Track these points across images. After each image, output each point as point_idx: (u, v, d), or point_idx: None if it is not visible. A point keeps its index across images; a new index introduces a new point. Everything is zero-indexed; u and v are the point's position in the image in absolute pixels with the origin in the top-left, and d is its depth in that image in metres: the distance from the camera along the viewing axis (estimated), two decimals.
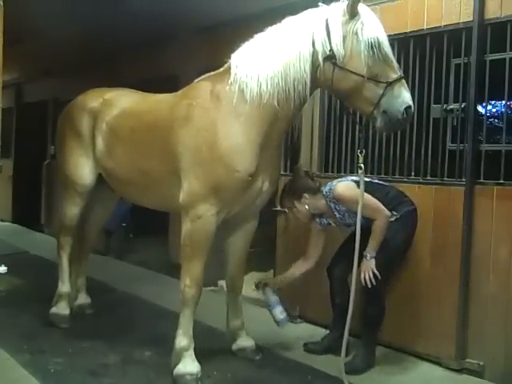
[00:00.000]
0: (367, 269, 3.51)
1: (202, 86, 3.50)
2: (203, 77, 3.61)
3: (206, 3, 5.12)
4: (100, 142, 4.09)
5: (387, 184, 3.92)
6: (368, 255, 3.53)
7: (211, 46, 5.66)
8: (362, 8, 3.04)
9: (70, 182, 4.34)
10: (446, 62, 4.00)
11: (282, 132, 3.48)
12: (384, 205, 3.59)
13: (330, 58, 3.06)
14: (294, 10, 3.38)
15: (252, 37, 3.36)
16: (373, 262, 3.52)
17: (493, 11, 3.67)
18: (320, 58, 3.10)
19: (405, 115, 2.97)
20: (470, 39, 3.77)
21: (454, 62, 3.98)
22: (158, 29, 6.06)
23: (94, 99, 4.28)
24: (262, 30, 3.33)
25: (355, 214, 3.40)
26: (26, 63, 8.78)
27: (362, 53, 2.97)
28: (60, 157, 4.55)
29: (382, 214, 3.53)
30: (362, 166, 3.22)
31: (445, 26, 3.90)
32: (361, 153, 3.22)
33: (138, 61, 7.21)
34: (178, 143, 3.43)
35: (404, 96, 2.97)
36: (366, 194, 3.40)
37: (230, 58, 3.42)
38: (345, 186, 3.70)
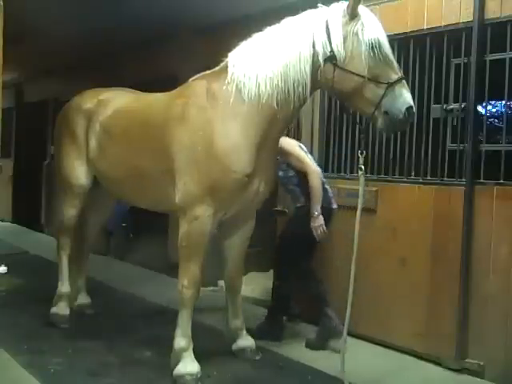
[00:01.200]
0: (318, 224, 3.97)
1: (198, 85, 3.49)
2: (198, 75, 3.59)
3: (205, 3, 5.12)
4: (93, 143, 4.08)
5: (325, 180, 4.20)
6: (315, 212, 3.96)
7: (211, 46, 5.65)
8: (362, 9, 3.03)
9: (67, 183, 4.34)
10: (446, 62, 4.00)
11: (280, 133, 3.47)
12: (301, 192, 4.11)
13: (331, 59, 3.06)
14: (293, 10, 3.38)
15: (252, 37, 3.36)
16: (321, 219, 3.97)
17: (493, 11, 3.67)
18: (320, 59, 3.09)
19: (406, 115, 2.96)
20: (470, 39, 3.77)
21: (454, 62, 3.98)
22: (158, 29, 6.06)
23: (89, 100, 4.27)
24: (261, 30, 3.33)
25: (285, 169, 4.10)
26: (26, 63, 8.78)
27: (363, 53, 2.97)
28: (57, 158, 4.55)
29: (311, 167, 4.03)
30: (363, 167, 3.22)
31: (445, 26, 3.90)
32: (361, 154, 3.22)
33: (138, 61, 7.21)
34: (173, 143, 3.42)
35: (405, 96, 2.96)
36: (300, 150, 4.09)
37: (227, 56, 3.42)
38: (289, 141, 4.16)
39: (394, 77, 2.98)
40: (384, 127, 3.05)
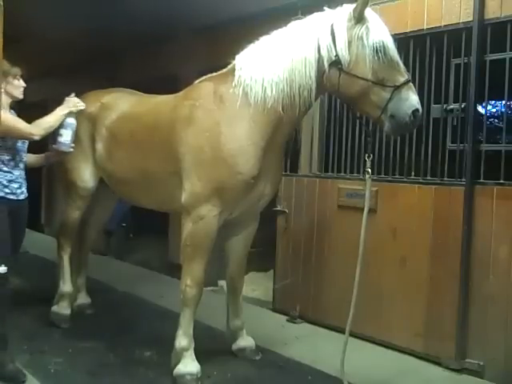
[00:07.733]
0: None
1: (205, 87, 3.50)
2: (204, 77, 3.60)
3: (206, 3, 5.12)
4: (100, 147, 4.10)
5: None
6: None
7: (211, 45, 5.65)
8: (368, 12, 3.02)
9: (72, 186, 4.35)
10: (446, 62, 4.00)
11: (285, 136, 3.47)
12: None
13: (336, 63, 3.05)
14: (294, 10, 3.38)
15: (253, 37, 3.36)
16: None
17: (493, 11, 3.67)
18: (325, 64, 3.09)
19: (412, 118, 2.95)
20: (470, 39, 3.77)
21: (454, 62, 3.99)
22: (158, 29, 6.05)
23: (91, 104, 4.23)
24: (262, 30, 3.33)
25: None
26: (25, 63, 8.76)
27: (367, 57, 2.95)
28: (60, 161, 4.53)
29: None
30: (370, 170, 3.20)
31: (445, 25, 3.90)
32: (368, 157, 3.21)
33: (138, 61, 7.21)
34: (180, 144, 3.43)
35: (411, 99, 2.94)
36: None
37: (232, 58, 3.42)
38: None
39: (401, 80, 2.97)
40: (391, 130, 3.04)
